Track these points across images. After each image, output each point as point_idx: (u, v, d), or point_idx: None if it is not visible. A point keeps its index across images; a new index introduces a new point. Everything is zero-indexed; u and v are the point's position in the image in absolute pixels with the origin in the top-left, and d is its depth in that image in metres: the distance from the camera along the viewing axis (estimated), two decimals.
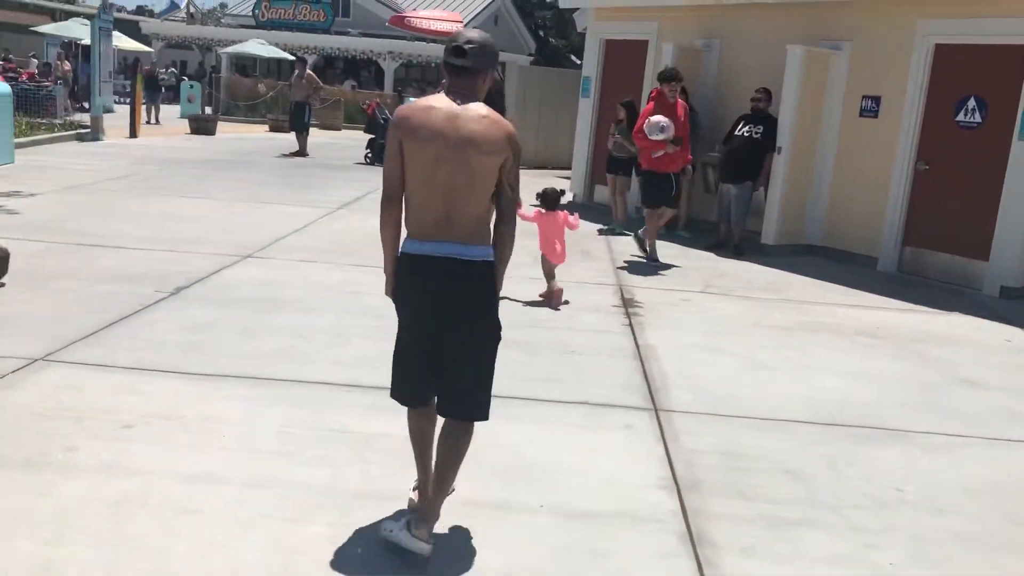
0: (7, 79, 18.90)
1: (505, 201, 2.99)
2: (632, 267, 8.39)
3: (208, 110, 24.92)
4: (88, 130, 16.30)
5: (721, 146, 9.98)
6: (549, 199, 6.92)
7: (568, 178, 13.31)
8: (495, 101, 8.26)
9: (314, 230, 8.96)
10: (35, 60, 26.10)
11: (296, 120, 16.68)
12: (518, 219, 3.12)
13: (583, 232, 9.99)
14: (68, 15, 34.33)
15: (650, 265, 8.47)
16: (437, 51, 34.54)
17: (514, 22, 42.04)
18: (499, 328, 3.10)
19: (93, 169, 12.14)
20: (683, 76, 8.79)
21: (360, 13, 38.56)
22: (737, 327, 6.50)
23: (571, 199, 12.74)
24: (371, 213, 9.99)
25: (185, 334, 5.20)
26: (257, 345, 5.12)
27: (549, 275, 6.75)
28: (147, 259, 7.03)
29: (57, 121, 17.39)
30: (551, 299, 6.60)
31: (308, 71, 16.81)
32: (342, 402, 4.35)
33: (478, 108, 2.93)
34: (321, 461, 3.66)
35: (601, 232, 10.21)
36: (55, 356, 4.63)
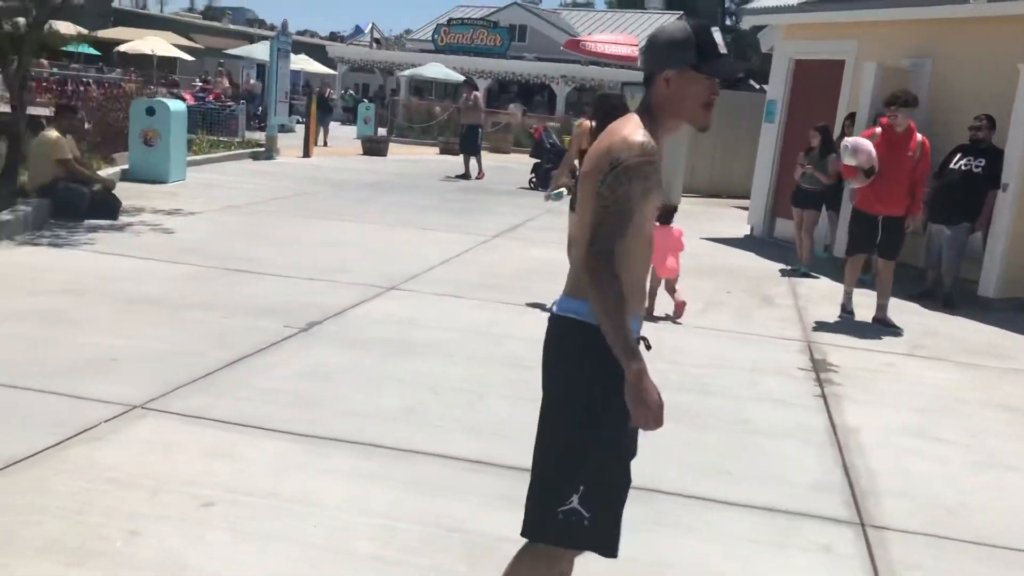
0: (196, 99, 19.80)
1: (590, 232, 2.10)
2: (822, 318, 7.22)
3: (382, 131, 25.27)
4: (263, 149, 16.64)
5: (933, 180, 8.59)
6: (663, 214, 6.58)
7: (745, 208, 12.15)
8: (607, 117, 7.34)
9: (465, 260, 8.35)
10: (224, 81, 27.38)
11: (468, 143, 16.35)
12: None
13: (761, 273, 8.89)
14: (262, 38, 36.17)
15: (843, 317, 7.27)
16: (611, 75, 33.86)
17: None
18: (581, 424, 2.16)
19: (258, 188, 12.16)
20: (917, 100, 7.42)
21: (536, 38, 38.54)
22: (958, 405, 5.28)
23: (748, 233, 11.58)
24: (527, 243, 9.27)
25: (302, 382, 4.62)
26: (380, 401, 4.46)
27: (670, 290, 6.78)
28: (288, 289, 6.60)
29: (236, 139, 17.91)
30: (676, 312, 6.68)
31: (475, 93, 16.46)
32: (465, 486, 3.58)
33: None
34: (424, 574, 2.90)
35: (784, 273, 9.04)
36: (156, 403, 4.13)
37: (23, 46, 8.84)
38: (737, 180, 15.08)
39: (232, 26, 66.20)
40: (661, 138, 2.16)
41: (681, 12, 41.74)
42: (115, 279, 6.44)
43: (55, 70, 27.35)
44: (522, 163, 21.02)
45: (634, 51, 34.27)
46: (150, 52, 29.19)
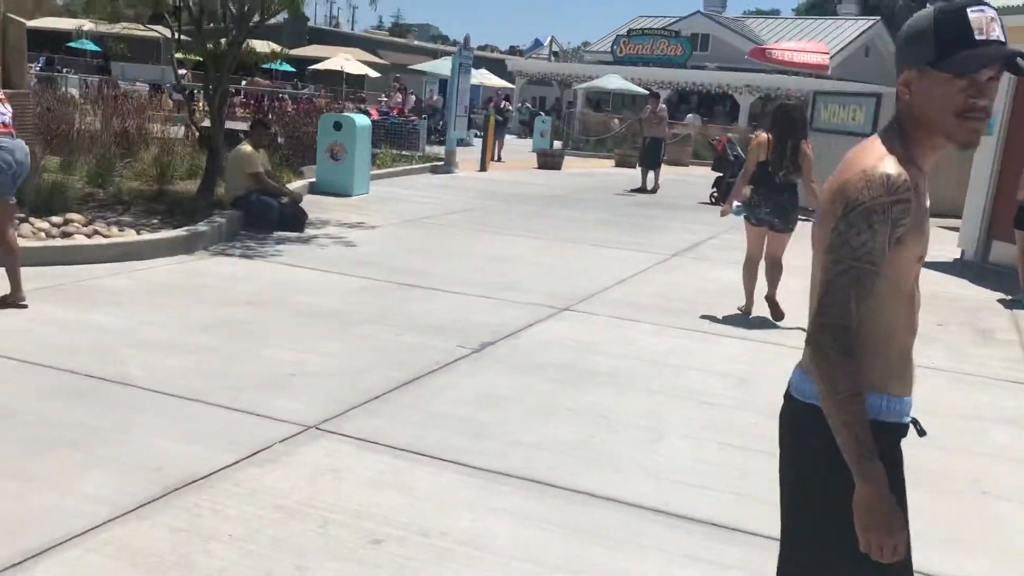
0: (381, 114, 20.49)
1: (817, 298, 1.68)
2: None
3: (557, 144, 25.25)
4: (442, 163, 16.93)
5: None
6: None
7: (952, 228, 11.07)
8: (785, 128, 6.75)
9: (643, 281, 7.98)
10: (398, 96, 28.22)
11: (649, 156, 15.97)
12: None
13: (977, 304, 7.98)
14: (445, 54, 37.22)
15: None
16: (800, 85, 32.35)
17: (888, 53, 38.29)
18: (824, 539, 1.73)
19: (436, 202, 12.29)
20: None
21: (718, 47, 37.52)
22: None
23: (957, 256, 10.53)
24: (709, 263, 8.77)
25: (475, 407, 4.43)
26: (553, 432, 4.20)
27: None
28: (460, 305, 6.50)
29: (417, 153, 18.34)
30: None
31: (660, 105, 16.03)
32: (643, 538, 3.25)
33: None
34: None
35: (1005, 304, 8.08)
36: (330, 424, 4.06)
37: (223, 64, 9.29)
38: (943, 196, 13.83)
39: (417, 42, 68.93)
40: (923, 162, 1.71)
41: (878, 18, 39.46)
42: (296, 291, 6.56)
43: (244, 84, 29.25)
44: (701, 176, 20.37)
45: (825, 59, 32.65)
46: (339, 69, 30.57)
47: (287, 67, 45.00)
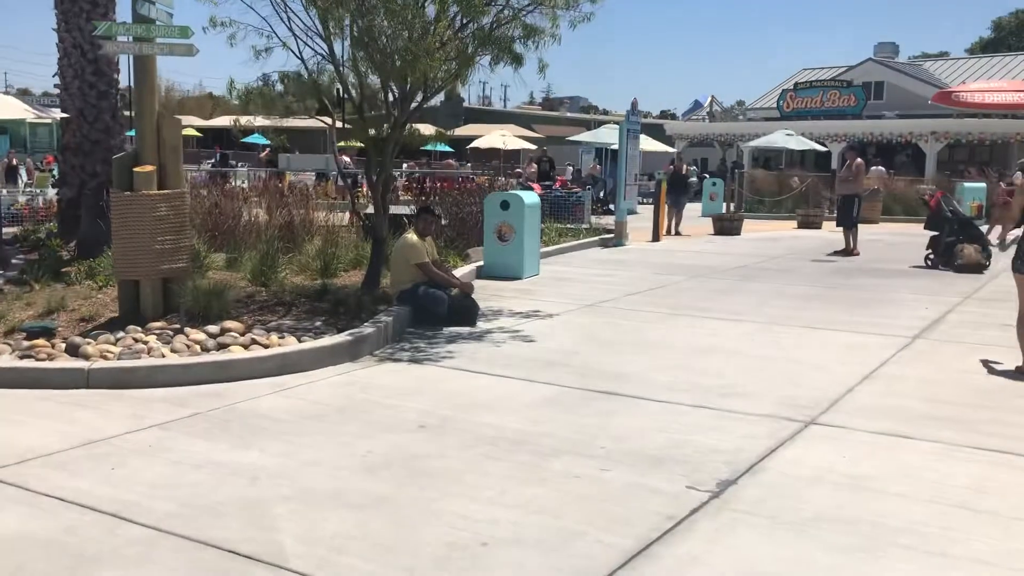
0: (543, 188, 19.72)
1: None
2: None
3: (729, 207, 23.71)
4: (612, 235, 15.84)
5: None
6: None
7: None
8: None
9: (891, 375, 6.45)
10: (570, 168, 27.58)
11: (843, 215, 14.30)
12: None
13: None
14: (600, 124, 36.59)
15: None
16: (995, 128, 29.42)
17: None
18: None
19: (611, 281, 11.14)
20: None
21: (894, 94, 35.01)
22: None
23: None
24: (965, 348, 6.82)
25: None
26: None
27: None
28: (670, 420, 5.24)
29: (584, 226, 17.35)
30: None
31: (858, 160, 14.35)
32: None
33: None
34: None
35: None
36: None
37: (386, 148, 8.62)
38: None
39: (569, 114, 69.25)
40: None
41: None
42: (474, 406, 5.51)
43: (407, 167, 29.43)
44: (899, 234, 18.29)
45: (1023, 97, 29.63)
46: (499, 146, 30.39)
47: (445, 147, 45.92)
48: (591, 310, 9.03)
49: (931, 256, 12.90)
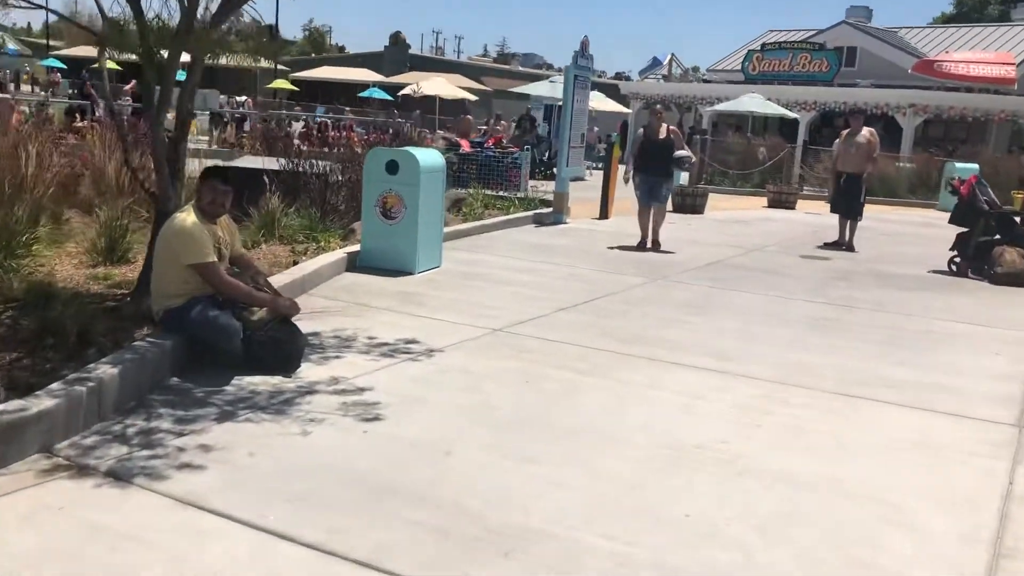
0: (473, 146, 16.35)
1: None
2: None
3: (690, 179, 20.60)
4: (550, 210, 12.61)
5: None
6: None
7: None
8: None
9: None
10: (499, 123, 24.16)
11: (847, 201, 11.26)
12: None
13: None
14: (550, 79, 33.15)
15: None
16: (976, 103, 26.80)
17: None
18: None
19: (542, 280, 7.94)
20: None
21: (869, 61, 32.16)
22: None
23: None
24: None
25: None
26: None
27: None
28: None
29: (519, 195, 14.07)
30: None
31: (868, 130, 11.28)
32: None
33: None
34: None
35: None
36: None
37: (167, 70, 5.23)
38: None
39: (520, 68, 65.50)
40: None
41: None
42: None
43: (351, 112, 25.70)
44: (888, 220, 15.36)
45: (1011, 71, 26.99)
46: (434, 94, 26.83)
47: (382, 94, 42.00)
48: (498, 342, 5.80)
49: (957, 260, 9.92)
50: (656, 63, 34.36)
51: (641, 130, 10.80)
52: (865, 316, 7.30)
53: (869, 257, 10.90)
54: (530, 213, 12.41)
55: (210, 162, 12.61)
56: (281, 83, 43.73)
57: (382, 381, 4.73)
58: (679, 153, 10.24)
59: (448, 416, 4.30)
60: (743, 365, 5.51)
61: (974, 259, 9.68)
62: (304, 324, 5.26)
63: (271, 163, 9.97)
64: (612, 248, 10.33)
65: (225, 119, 23.58)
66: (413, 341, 5.56)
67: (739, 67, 33.47)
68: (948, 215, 10.32)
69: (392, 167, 7.76)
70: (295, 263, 7.35)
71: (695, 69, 45.49)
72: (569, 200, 12.82)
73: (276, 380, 4.62)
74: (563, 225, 12.31)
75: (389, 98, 40.59)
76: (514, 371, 5.12)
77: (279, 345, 4.79)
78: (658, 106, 11.43)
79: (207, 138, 21.26)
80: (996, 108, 26.78)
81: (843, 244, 11.39)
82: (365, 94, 42.95)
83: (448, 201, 12.55)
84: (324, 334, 5.57)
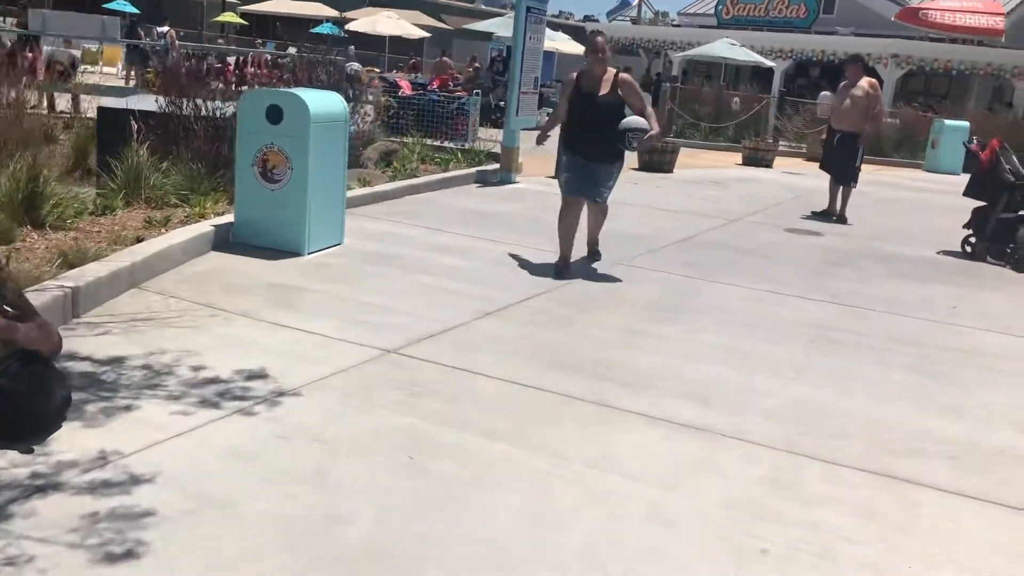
0: (414, 88, 14.42)
1: None
2: None
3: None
4: (496, 167, 10.81)
5: None
6: None
7: None
8: None
9: None
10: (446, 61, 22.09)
11: (841, 164, 9.60)
12: None
13: None
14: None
15: None
16: (961, 55, 25.25)
17: None
18: None
19: (471, 265, 6.20)
20: None
21: (849, 9, 30.32)
22: None
23: None
24: None
25: None
26: None
27: None
28: None
29: (464, 146, 12.23)
30: None
31: (868, 80, 9.57)
32: None
33: None
34: None
35: None
36: None
37: None
38: None
39: (483, 7, 62.65)
40: None
41: None
42: None
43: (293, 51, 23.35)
44: (875, 183, 13.70)
45: (999, 22, 25.42)
46: (375, 32, 24.60)
47: (335, 30, 39.40)
48: (383, 376, 4.05)
49: (972, 240, 8.33)
50: (624, 4, 32.36)
51: (573, 75, 6.26)
52: (881, 323, 5.67)
53: (866, 232, 9.30)
54: (473, 170, 10.59)
55: (105, 101, 10.65)
56: (229, 16, 40.88)
57: (178, 461, 2.99)
58: (630, 122, 5.94)
59: (253, 550, 2.58)
60: (734, 416, 3.85)
61: (993, 240, 8.11)
62: (111, 341, 3.51)
63: (142, 102, 8.08)
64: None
65: (147, 52, 21.20)
66: (258, 375, 3.82)
67: (712, 11, 31.54)
68: (935, 175, 8.70)
69: (274, 114, 5.90)
70: (139, 239, 5.54)
71: (664, 14, 43.43)
72: (520, 155, 11.02)
73: (5, 458, 2.88)
74: (511, 185, 10.54)
75: (343, 34, 38.07)
76: (394, 436, 3.40)
77: (14, 399, 3.02)
78: (599, 37, 6.16)
79: (121, 72, 18.94)
80: (982, 61, 25.24)
81: (834, 215, 9.78)
82: (317, 30, 40.36)
83: (376, 153, 10.72)
84: (131, 360, 3.81)
